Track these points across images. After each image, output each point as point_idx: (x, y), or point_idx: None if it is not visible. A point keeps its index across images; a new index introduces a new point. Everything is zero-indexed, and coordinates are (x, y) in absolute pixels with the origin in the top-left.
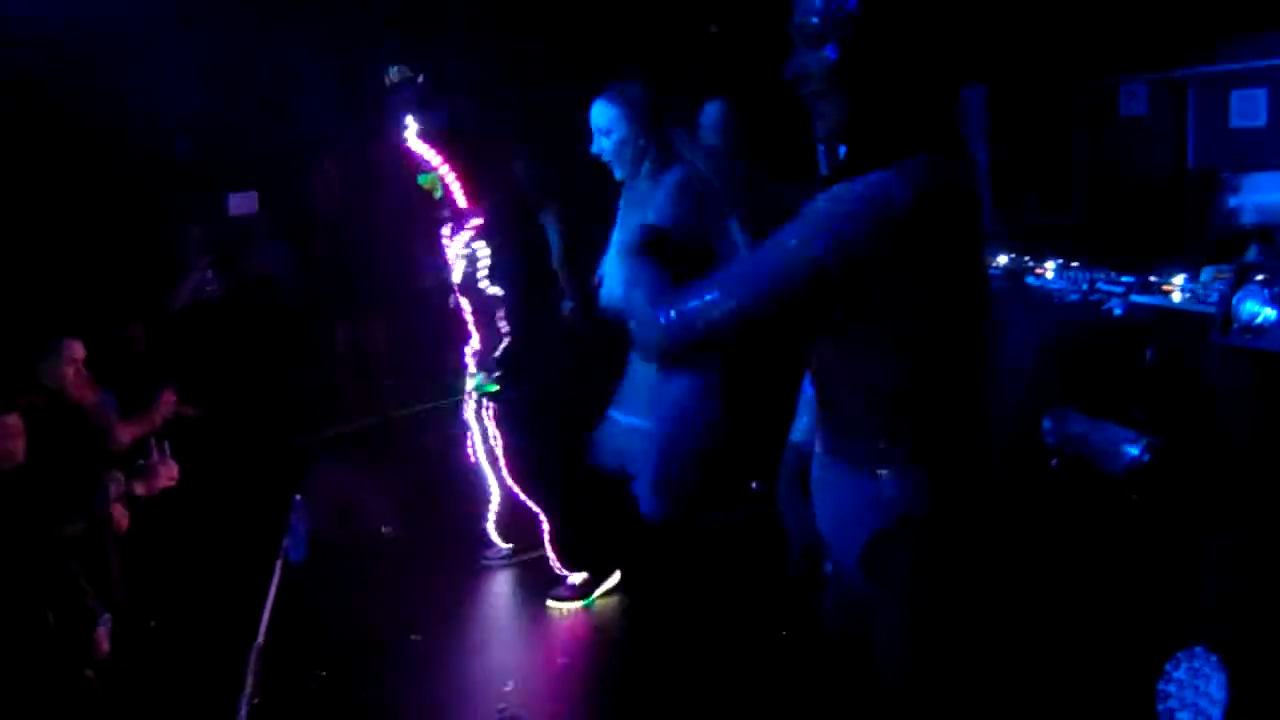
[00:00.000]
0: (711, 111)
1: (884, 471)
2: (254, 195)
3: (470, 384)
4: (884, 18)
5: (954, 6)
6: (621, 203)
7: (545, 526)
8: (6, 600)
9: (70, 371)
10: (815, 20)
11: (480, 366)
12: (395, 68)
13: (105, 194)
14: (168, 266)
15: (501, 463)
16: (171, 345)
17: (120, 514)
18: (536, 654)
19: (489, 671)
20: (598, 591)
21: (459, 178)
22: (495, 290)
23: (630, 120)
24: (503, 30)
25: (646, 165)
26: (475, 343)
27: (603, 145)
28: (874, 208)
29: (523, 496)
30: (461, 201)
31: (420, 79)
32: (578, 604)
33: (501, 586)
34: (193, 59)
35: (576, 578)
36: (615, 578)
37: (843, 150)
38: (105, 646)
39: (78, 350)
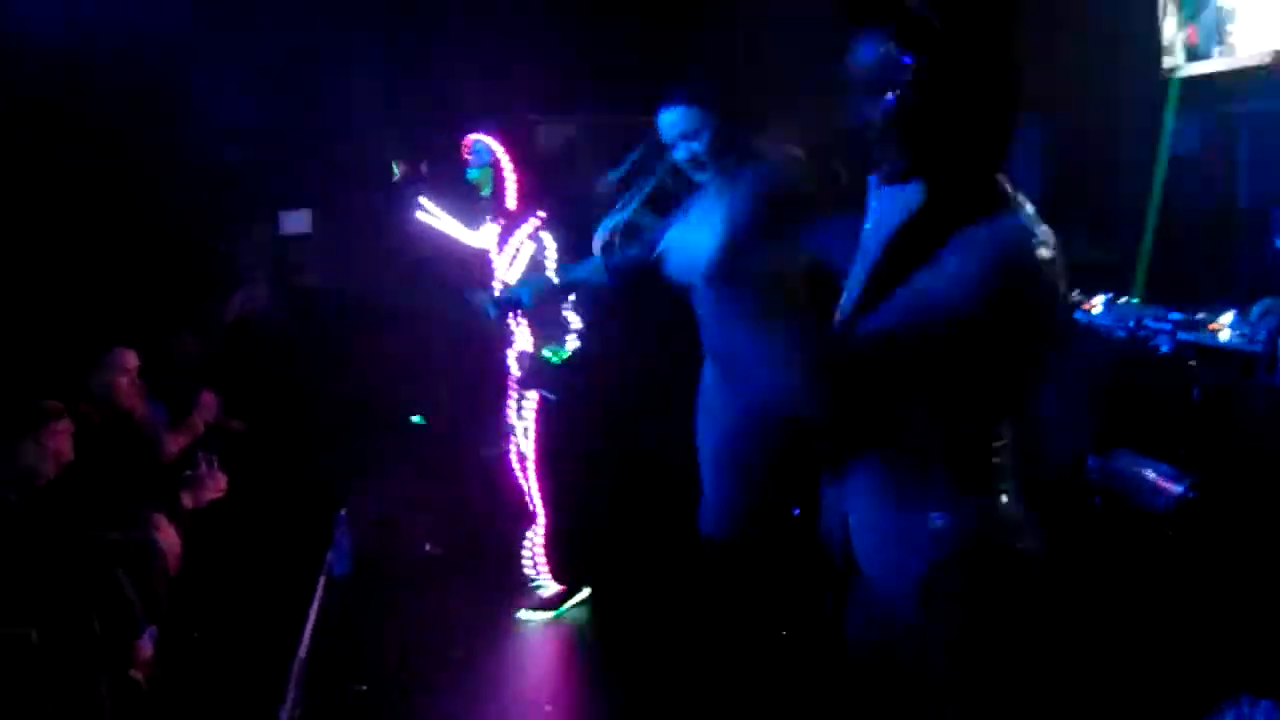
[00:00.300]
0: None
1: (938, 508)
2: (307, 214)
3: (545, 352)
4: (941, 63)
5: (1009, 44)
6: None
7: (539, 529)
8: (53, 604)
9: (123, 381)
10: (870, 70)
11: (548, 341)
12: (398, 163)
13: (159, 201)
14: (221, 277)
15: (528, 456)
16: (221, 356)
17: (168, 527)
18: (578, 675)
19: (529, 691)
20: (568, 604)
21: (517, 174)
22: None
23: (716, 116)
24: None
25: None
26: (524, 343)
27: (693, 150)
28: (1017, 260)
29: (532, 493)
30: (512, 200)
31: (424, 167)
32: (549, 615)
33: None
34: (247, 65)
35: (550, 589)
36: (585, 592)
37: (912, 188)
38: (148, 655)
39: (130, 360)
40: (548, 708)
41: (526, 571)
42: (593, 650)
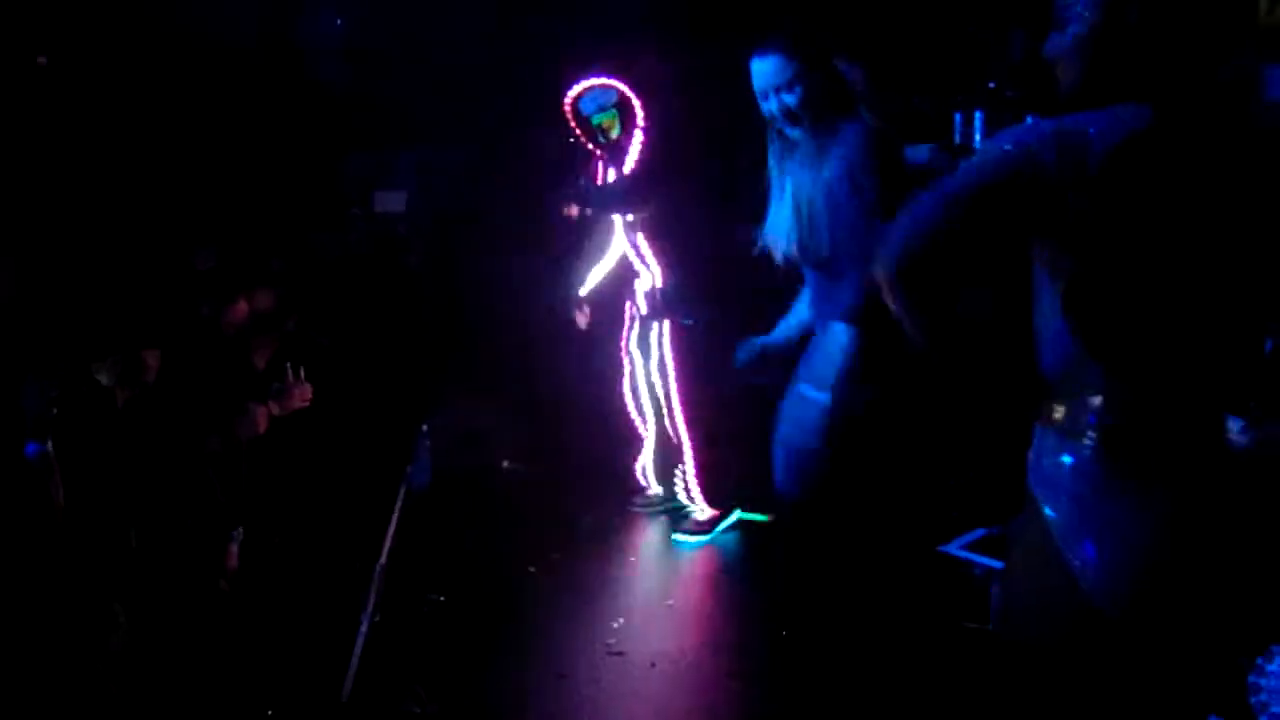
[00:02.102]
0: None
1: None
2: (402, 195)
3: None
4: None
5: None
6: (778, 159)
7: (689, 457)
8: (151, 507)
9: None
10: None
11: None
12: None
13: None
14: (322, 201)
15: (667, 389)
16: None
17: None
18: (651, 593)
19: (601, 607)
20: (720, 527)
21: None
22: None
23: (814, 68)
24: None
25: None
26: (653, 279)
27: (786, 102)
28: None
29: (678, 424)
30: (636, 147)
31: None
32: (703, 538)
33: (626, 524)
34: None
35: (704, 513)
36: (735, 515)
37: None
38: (234, 560)
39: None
40: (617, 624)
41: (643, 486)
42: (671, 570)
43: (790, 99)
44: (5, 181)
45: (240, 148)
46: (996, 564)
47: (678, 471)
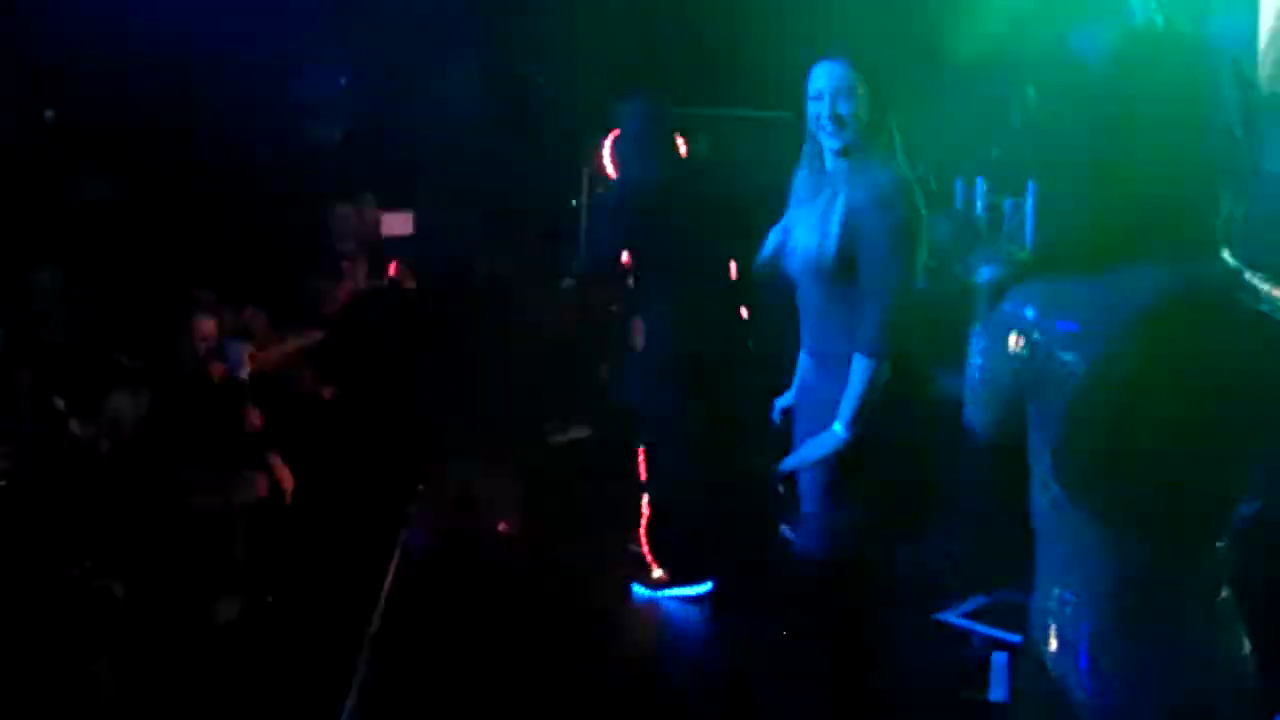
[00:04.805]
0: None
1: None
2: (409, 217)
3: None
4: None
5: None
6: (810, 170)
7: (645, 510)
8: (140, 561)
9: (203, 347)
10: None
11: None
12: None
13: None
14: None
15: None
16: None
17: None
18: (646, 657)
19: (596, 672)
20: (675, 592)
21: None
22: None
23: (874, 92)
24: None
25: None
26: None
27: (840, 109)
28: None
29: (641, 473)
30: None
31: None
32: (659, 593)
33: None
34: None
35: (658, 570)
36: (704, 588)
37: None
38: (226, 617)
39: (209, 327)
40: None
41: (633, 549)
42: (682, 633)
43: (845, 106)
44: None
45: (236, 199)
46: (995, 633)
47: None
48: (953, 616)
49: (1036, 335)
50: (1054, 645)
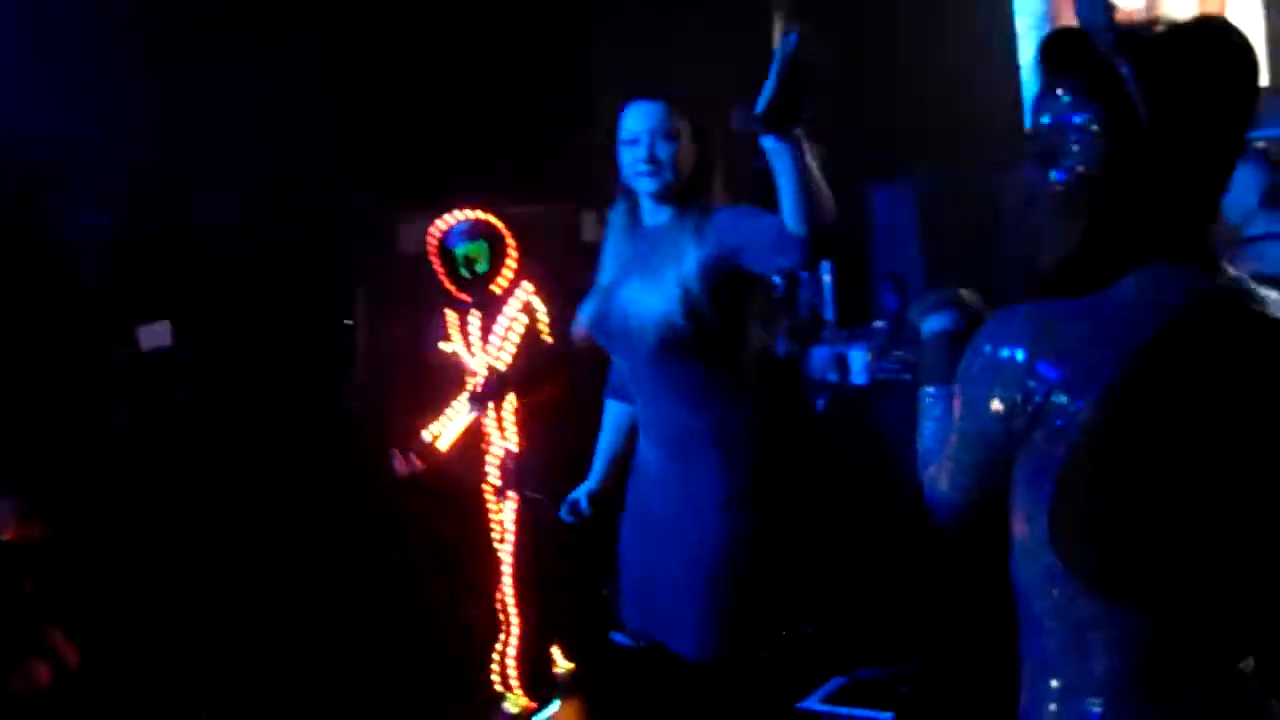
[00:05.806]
0: None
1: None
2: (166, 327)
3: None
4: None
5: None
6: (627, 227)
7: (514, 638)
8: None
9: None
10: (1050, 130)
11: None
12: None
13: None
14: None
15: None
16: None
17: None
18: None
19: None
20: (538, 717)
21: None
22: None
23: (696, 134)
24: None
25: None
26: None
27: (658, 153)
28: None
29: (508, 603)
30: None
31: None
32: None
33: None
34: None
35: (517, 704)
36: (554, 708)
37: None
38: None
39: None
40: None
41: (495, 685)
42: None
43: (664, 151)
44: None
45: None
46: (861, 713)
47: (495, 654)
48: (815, 703)
49: (1030, 381)
50: None
